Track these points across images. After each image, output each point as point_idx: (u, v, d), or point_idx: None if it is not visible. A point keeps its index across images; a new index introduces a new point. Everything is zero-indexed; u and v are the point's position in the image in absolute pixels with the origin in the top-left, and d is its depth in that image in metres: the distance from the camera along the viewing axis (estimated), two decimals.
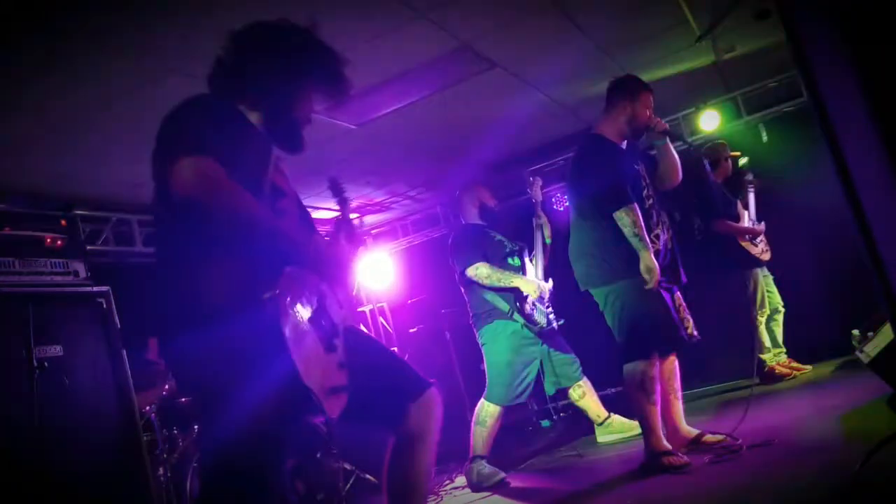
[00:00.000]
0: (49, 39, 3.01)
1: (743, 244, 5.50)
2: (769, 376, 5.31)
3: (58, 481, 3.18)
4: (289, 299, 1.84)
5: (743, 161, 5.70)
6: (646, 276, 3.40)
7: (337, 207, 2.28)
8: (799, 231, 6.08)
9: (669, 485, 3.14)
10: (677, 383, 3.72)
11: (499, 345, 4.37)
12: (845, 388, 4.30)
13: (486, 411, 4.32)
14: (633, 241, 3.43)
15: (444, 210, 7.44)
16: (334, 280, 2.07)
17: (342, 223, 2.21)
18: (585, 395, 4.60)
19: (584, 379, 4.61)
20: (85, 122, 3.77)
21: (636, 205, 3.48)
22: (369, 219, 7.44)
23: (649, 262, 3.39)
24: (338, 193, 2.30)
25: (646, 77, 5.39)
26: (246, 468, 1.83)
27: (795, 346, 5.69)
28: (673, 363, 3.70)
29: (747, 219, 5.61)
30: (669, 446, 3.42)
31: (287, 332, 1.76)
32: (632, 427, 4.57)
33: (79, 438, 3.38)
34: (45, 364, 3.30)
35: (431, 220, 7.61)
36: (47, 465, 3.16)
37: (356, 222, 2.12)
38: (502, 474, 4.19)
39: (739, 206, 5.63)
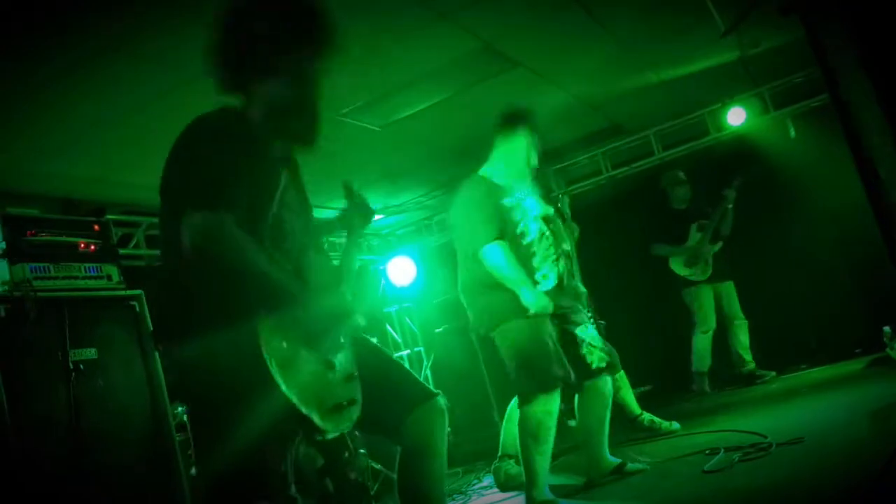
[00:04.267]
0: (82, 47, 3.07)
1: (673, 267, 5.98)
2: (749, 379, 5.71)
3: (93, 480, 3.24)
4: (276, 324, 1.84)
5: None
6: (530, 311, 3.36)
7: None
8: (829, 226, 6.01)
9: (700, 484, 3.13)
10: (599, 413, 3.64)
11: None
12: (876, 384, 4.25)
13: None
14: (506, 282, 3.40)
15: None
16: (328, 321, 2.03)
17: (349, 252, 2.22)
18: (621, 390, 4.66)
19: (622, 373, 4.69)
20: (116, 128, 3.85)
21: (503, 243, 3.42)
22: (394, 219, 7.47)
23: (526, 299, 3.36)
24: (356, 213, 2.32)
25: (670, 73, 5.39)
26: (261, 473, 1.86)
27: (825, 342, 5.66)
28: (582, 397, 3.62)
29: (696, 240, 5.96)
30: (547, 497, 3.36)
31: (274, 363, 1.77)
32: (665, 425, 4.59)
33: (114, 438, 3.44)
34: (81, 366, 3.36)
35: None
36: (83, 464, 3.22)
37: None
38: None
39: (694, 228, 5.99)
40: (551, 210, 3.76)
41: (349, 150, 5.06)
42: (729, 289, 5.90)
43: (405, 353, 7.72)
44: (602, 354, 3.59)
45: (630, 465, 3.62)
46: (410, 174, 6.22)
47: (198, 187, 1.81)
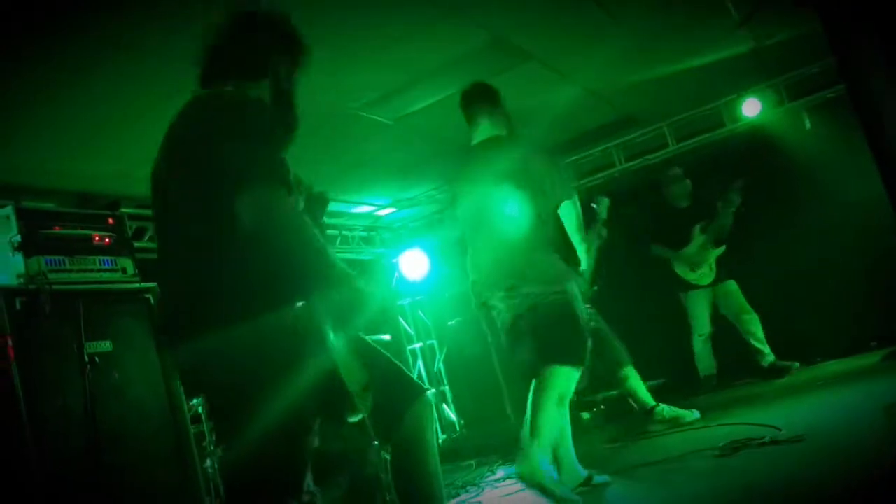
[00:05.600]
0: (82, 44, 3.09)
1: (676, 270, 5.92)
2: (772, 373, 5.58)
3: (109, 472, 3.28)
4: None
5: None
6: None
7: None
8: (845, 218, 5.96)
9: (714, 477, 3.12)
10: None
11: None
12: (891, 378, 4.22)
13: None
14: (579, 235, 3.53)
15: None
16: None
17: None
18: (629, 380, 4.77)
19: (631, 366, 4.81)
20: (129, 123, 3.87)
21: None
22: (406, 213, 7.48)
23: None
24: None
25: (684, 65, 5.35)
26: (281, 467, 1.87)
27: (840, 336, 5.62)
28: None
29: (699, 244, 5.89)
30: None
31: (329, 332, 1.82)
32: (687, 415, 4.58)
33: (129, 430, 3.47)
34: (96, 359, 3.40)
35: None
36: (99, 457, 3.25)
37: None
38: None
39: (697, 230, 5.89)
40: None
41: (361, 143, 5.06)
42: (729, 288, 5.82)
43: (418, 345, 7.74)
44: None
45: (597, 479, 3.51)
46: (422, 168, 6.21)
47: (261, 163, 1.81)
